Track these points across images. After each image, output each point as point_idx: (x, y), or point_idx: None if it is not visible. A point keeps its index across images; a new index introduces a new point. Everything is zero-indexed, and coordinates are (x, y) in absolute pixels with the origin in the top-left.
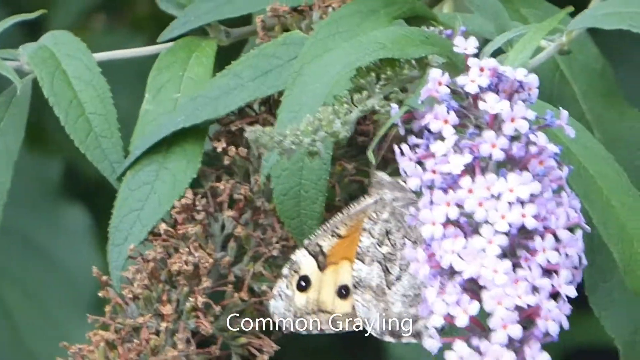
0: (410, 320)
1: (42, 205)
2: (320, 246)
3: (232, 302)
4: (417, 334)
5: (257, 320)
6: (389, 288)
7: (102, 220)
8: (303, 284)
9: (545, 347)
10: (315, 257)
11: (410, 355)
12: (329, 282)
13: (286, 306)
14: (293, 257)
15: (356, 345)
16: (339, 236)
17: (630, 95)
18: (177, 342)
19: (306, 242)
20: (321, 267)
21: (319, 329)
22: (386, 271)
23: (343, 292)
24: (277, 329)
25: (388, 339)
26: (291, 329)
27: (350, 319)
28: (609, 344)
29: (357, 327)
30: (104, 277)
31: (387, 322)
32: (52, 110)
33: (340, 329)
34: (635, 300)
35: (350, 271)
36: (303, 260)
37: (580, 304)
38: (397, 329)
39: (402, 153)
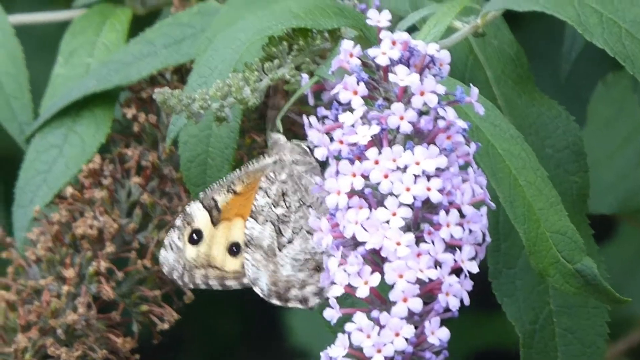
0: (298, 285)
1: None
2: (215, 200)
3: (135, 269)
4: (304, 300)
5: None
6: (280, 250)
7: (12, 191)
8: (195, 236)
9: (451, 345)
10: (209, 211)
11: (306, 327)
12: (221, 237)
13: (176, 258)
14: (187, 208)
15: (252, 318)
16: (235, 192)
17: (541, 86)
18: (78, 305)
19: (201, 195)
20: (214, 222)
21: (207, 283)
22: (279, 233)
23: (234, 249)
24: (178, 299)
25: (274, 301)
26: (179, 282)
27: (239, 277)
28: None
29: (245, 285)
30: (8, 239)
31: (274, 284)
32: None
33: (228, 286)
34: (537, 289)
35: (242, 229)
36: (197, 213)
37: (486, 305)
38: (284, 292)
39: (310, 125)
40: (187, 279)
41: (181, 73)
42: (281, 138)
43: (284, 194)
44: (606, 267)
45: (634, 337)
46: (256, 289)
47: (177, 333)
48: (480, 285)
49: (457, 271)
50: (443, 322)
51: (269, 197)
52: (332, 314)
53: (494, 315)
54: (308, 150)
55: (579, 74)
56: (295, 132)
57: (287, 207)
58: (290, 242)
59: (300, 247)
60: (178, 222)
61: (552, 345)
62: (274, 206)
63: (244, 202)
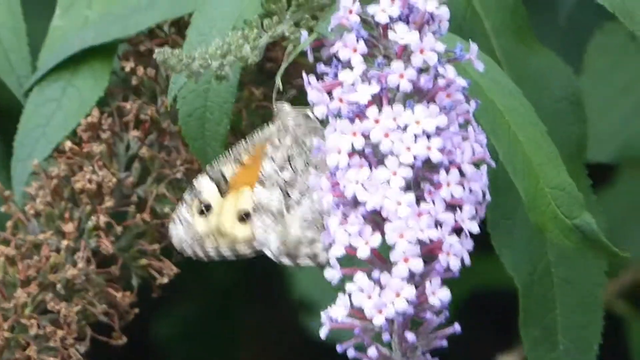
0: (307, 243)
1: None
2: (222, 173)
3: (134, 223)
4: (313, 256)
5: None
6: (288, 212)
7: (10, 145)
8: (204, 209)
9: (449, 285)
10: (217, 183)
11: (314, 291)
12: (230, 207)
13: (186, 230)
14: (195, 183)
15: (261, 283)
16: (242, 163)
17: (538, 36)
18: (77, 260)
19: (208, 168)
20: (223, 193)
21: (218, 253)
22: (286, 195)
23: (244, 216)
24: (177, 252)
25: (284, 260)
26: (190, 254)
27: (250, 242)
28: (511, 285)
29: (256, 250)
30: (7, 192)
31: (284, 244)
32: None
33: (240, 253)
34: (534, 240)
35: (251, 197)
36: (205, 186)
37: (484, 245)
38: (294, 250)
39: (309, 83)
40: (199, 250)
41: (179, 26)
42: (285, 105)
43: (289, 158)
44: (605, 217)
45: (625, 278)
46: (266, 251)
47: (174, 282)
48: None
49: (457, 231)
50: (444, 282)
51: (275, 162)
52: (332, 274)
53: (493, 256)
54: (311, 114)
55: (576, 22)
56: (293, 84)
57: (293, 170)
58: (298, 203)
59: (309, 208)
60: (186, 196)
61: (551, 295)
62: (281, 171)
63: (251, 171)
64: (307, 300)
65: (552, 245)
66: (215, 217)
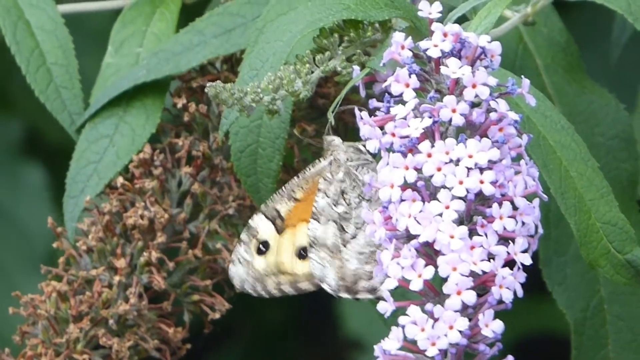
0: (366, 277)
1: (2, 164)
2: (277, 210)
3: (186, 258)
4: (372, 290)
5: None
6: (345, 246)
7: (62, 182)
8: (262, 248)
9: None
10: (272, 221)
11: (357, 315)
12: (288, 244)
13: (246, 270)
14: (251, 222)
15: (312, 322)
16: (296, 199)
17: (590, 74)
18: (129, 296)
19: (263, 207)
20: (279, 231)
21: (280, 290)
22: (342, 230)
23: (302, 252)
24: (229, 288)
25: (343, 295)
26: (252, 293)
27: (311, 278)
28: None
29: (317, 285)
30: (59, 229)
31: (342, 278)
32: (17, 73)
33: (302, 289)
34: (587, 276)
35: (307, 232)
36: (261, 224)
37: (536, 289)
38: (352, 285)
39: (361, 118)
40: (260, 288)
41: (231, 62)
42: (335, 139)
43: (342, 192)
44: None
45: None
46: (324, 286)
47: (228, 322)
48: (531, 270)
49: (510, 263)
50: (496, 315)
51: (328, 197)
52: (385, 307)
53: (545, 300)
54: (362, 147)
55: (627, 61)
56: (345, 119)
57: (347, 204)
58: (354, 237)
59: (365, 241)
60: (243, 236)
61: (603, 332)
62: (335, 205)
63: (306, 207)
64: (358, 340)
65: (605, 282)
66: (273, 255)
